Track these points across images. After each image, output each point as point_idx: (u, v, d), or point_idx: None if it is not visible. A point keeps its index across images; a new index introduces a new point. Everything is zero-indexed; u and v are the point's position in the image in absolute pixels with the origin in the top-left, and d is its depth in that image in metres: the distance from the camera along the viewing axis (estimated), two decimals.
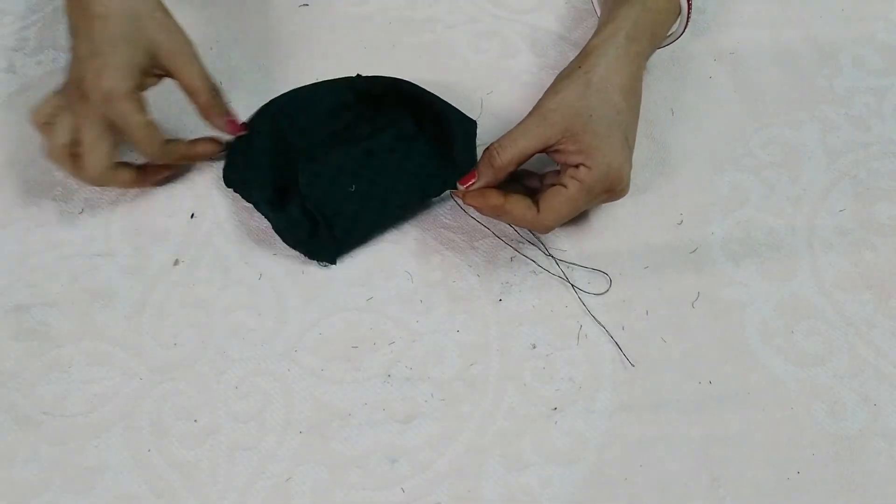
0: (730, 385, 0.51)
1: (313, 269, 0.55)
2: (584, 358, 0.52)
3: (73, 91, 0.51)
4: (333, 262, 0.54)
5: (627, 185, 0.51)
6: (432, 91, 0.57)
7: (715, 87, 0.62)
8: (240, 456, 0.49)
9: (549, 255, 0.55)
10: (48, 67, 0.64)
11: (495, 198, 0.50)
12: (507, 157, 0.50)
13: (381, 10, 0.66)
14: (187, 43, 0.52)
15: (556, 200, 0.50)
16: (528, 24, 0.65)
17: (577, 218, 0.55)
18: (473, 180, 0.51)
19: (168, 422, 0.50)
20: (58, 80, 0.63)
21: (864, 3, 0.65)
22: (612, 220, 0.56)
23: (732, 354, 0.51)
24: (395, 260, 0.55)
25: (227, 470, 0.49)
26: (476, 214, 0.54)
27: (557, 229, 0.55)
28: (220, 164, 0.59)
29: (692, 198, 0.57)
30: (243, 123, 0.55)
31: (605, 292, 0.54)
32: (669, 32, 0.57)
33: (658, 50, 0.62)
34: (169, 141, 0.54)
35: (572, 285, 0.54)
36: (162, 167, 0.56)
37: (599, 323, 0.52)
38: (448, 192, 0.55)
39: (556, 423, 0.50)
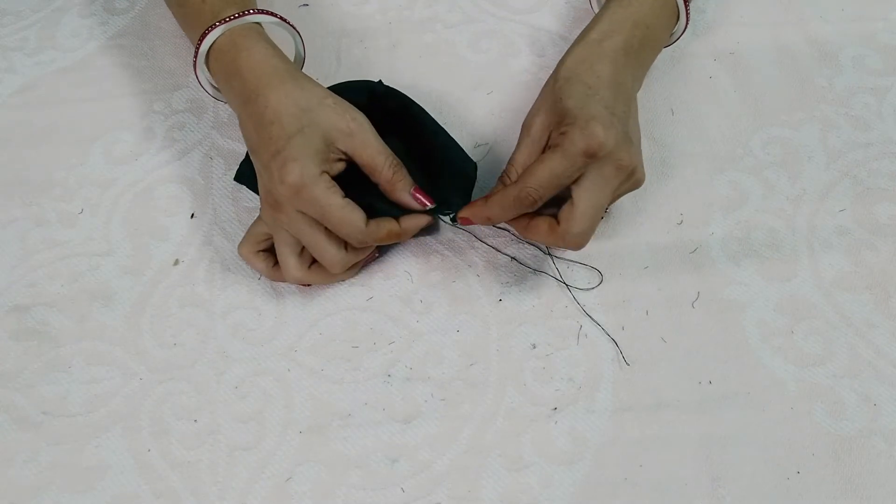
0: (730, 385, 0.51)
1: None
2: (583, 358, 0.52)
3: (267, 208, 0.50)
4: None
5: (621, 153, 0.48)
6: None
7: (715, 87, 0.62)
8: (240, 456, 0.49)
9: (548, 253, 0.55)
10: (48, 67, 0.64)
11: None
12: (514, 175, 0.50)
13: (381, 10, 0.66)
14: (361, 123, 0.50)
15: (537, 168, 0.48)
16: (528, 24, 0.65)
17: None
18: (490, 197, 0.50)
19: (168, 422, 0.50)
20: (57, 79, 0.63)
21: (864, 3, 0.65)
22: (612, 220, 0.56)
23: (732, 354, 0.51)
24: (395, 260, 0.55)
25: (227, 470, 0.49)
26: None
27: None
28: (221, 165, 0.59)
29: (692, 198, 0.57)
30: (430, 197, 0.51)
31: (598, 286, 0.53)
32: (673, 31, 0.57)
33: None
34: (371, 221, 0.50)
35: (565, 284, 0.54)
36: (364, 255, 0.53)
37: (595, 322, 0.52)
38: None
39: (556, 423, 0.50)
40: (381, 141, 0.51)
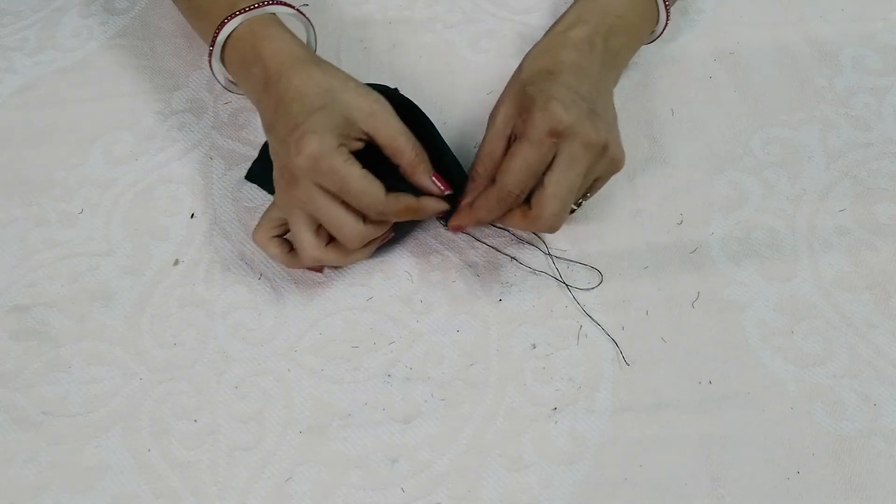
0: (730, 385, 0.51)
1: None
2: (583, 358, 0.52)
3: (283, 185, 0.49)
4: None
5: (586, 128, 0.48)
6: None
7: (715, 87, 0.62)
8: (240, 456, 0.49)
9: (548, 253, 0.55)
10: (48, 67, 0.64)
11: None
12: (482, 169, 0.50)
13: (381, 10, 0.66)
14: (384, 105, 0.50)
15: (509, 163, 0.48)
16: (528, 24, 0.65)
17: (578, 218, 0.55)
18: (465, 197, 0.51)
19: (168, 422, 0.50)
20: (57, 79, 0.63)
21: (864, 3, 0.65)
22: (612, 221, 0.56)
23: (732, 354, 0.51)
24: (395, 260, 0.55)
25: (227, 470, 0.49)
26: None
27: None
28: (221, 165, 0.59)
29: (692, 198, 0.57)
30: (448, 182, 0.51)
31: (598, 285, 0.53)
32: (652, 26, 0.57)
33: (658, 50, 0.62)
34: (390, 194, 0.49)
35: (565, 283, 0.54)
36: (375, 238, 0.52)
37: (595, 322, 0.52)
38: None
39: (555, 423, 0.50)
40: (403, 124, 0.50)
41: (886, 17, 0.65)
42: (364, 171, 0.48)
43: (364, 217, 0.50)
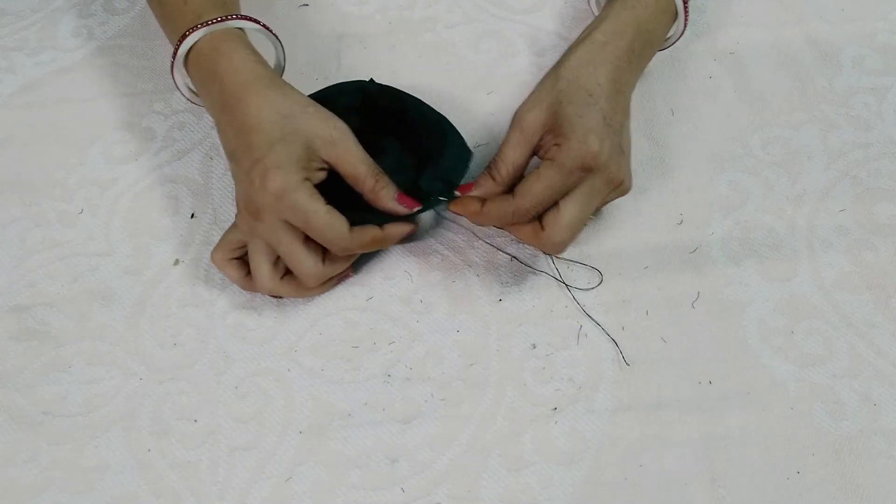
0: (730, 385, 0.51)
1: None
2: (583, 358, 0.52)
3: (245, 216, 0.49)
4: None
5: (613, 166, 0.49)
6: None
7: (715, 87, 0.62)
8: (240, 456, 0.49)
9: (548, 253, 0.55)
10: (48, 67, 0.64)
11: (474, 204, 0.50)
12: (504, 172, 0.50)
13: (381, 9, 0.66)
14: (343, 132, 0.50)
15: (535, 185, 0.48)
16: (528, 24, 0.65)
17: None
18: (471, 190, 0.51)
19: (168, 422, 0.50)
20: (57, 79, 0.63)
21: (864, 3, 0.65)
22: (612, 221, 0.56)
23: (732, 354, 0.51)
24: (395, 260, 0.55)
25: (227, 470, 0.49)
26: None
27: None
28: (221, 165, 0.59)
29: (692, 198, 0.57)
30: (415, 199, 0.51)
31: (598, 285, 0.53)
32: (669, 34, 0.57)
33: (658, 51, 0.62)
34: (354, 228, 0.49)
35: (564, 283, 0.54)
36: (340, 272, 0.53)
37: (595, 322, 0.52)
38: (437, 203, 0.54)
39: (555, 423, 0.50)
40: (363, 150, 0.50)
41: (886, 17, 0.65)
42: (328, 206, 0.48)
43: (325, 254, 0.50)
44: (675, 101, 0.61)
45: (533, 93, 0.52)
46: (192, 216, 0.57)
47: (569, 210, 0.49)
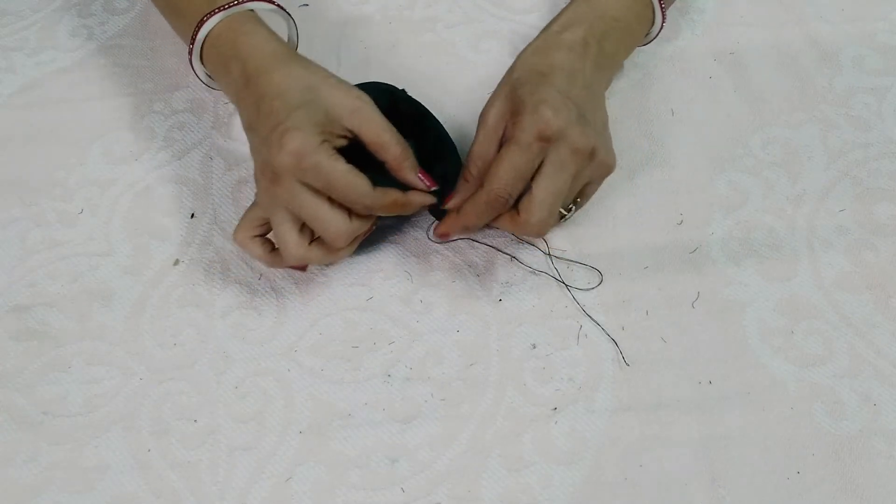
0: (730, 385, 0.50)
1: (313, 269, 0.55)
2: (583, 358, 0.52)
3: (266, 184, 0.49)
4: None
5: (573, 134, 0.48)
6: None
7: (715, 87, 0.62)
8: (240, 456, 0.49)
9: (548, 253, 0.55)
10: (48, 67, 0.64)
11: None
12: (475, 170, 0.50)
13: (381, 9, 0.66)
14: (367, 101, 0.50)
15: (498, 168, 0.48)
16: (528, 25, 0.65)
17: (578, 218, 0.55)
18: (452, 198, 0.51)
19: (168, 422, 0.50)
20: (57, 79, 0.63)
21: (864, 3, 0.65)
22: (612, 221, 0.56)
23: (732, 354, 0.51)
24: (395, 260, 0.55)
25: (227, 470, 0.49)
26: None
27: (559, 229, 0.55)
28: (221, 165, 0.59)
29: (692, 198, 0.57)
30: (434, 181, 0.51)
31: (598, 285, 0.53)
32: (648, 28, 0.57)
33: (658, 50, 0.62)
34: (377, 188, 0.49)
35: (564, 283, 0.54)
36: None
37: (595, 322, 0.52)
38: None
39: (555, 423, 0.50)
40: (387, 120, 0.50)
41: (886, 17, 0.65)
42: (349, 165, 0.48)
43: (349, 213, 0.49)
44: (675, 101, 0.61)
45: (493, 91, 0.52)
46: (192, 216, 0.57)
47: (539, 187, 0.48)
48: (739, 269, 0.54)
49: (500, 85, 0.52)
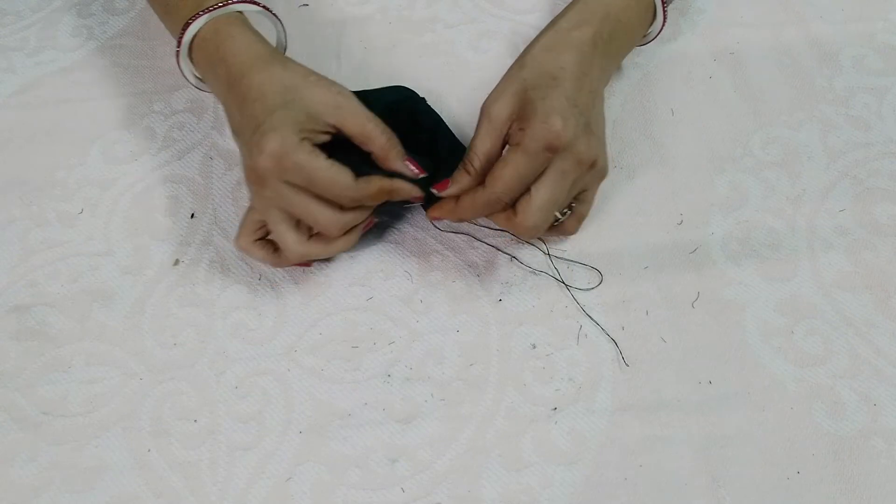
0: (730, 385, 0.51)
1: (313, 269, 0.55)
2: (583, 358, 0.52)
3: (253, 187, 0.49)
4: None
5: (580, 145, 0.48)
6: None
7: (715, 87, 0.62)
8: (240, 456, 0.49)
9: (548, 253, 0.55)
10: (48, 67, 0.64)
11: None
12: (477, 164, 0.50)
13: (381, 9, 0.66)
14: (348, 97, 0.50)
15: (503, 171, 0.48)
16: (528, 25, 0.65)
17: None
18: (448, 187, 0.51)
19: (168, 422, 0.50)
20: (57, 79, 0.63)
21: (864, 3, 0.65)
22: (611, 221, 0.56)
23: (732, 354, 0.51)
24: (395, 260, 0.55)
25: (227, 470, 0.49)
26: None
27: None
28: (221, 165, 0.59)
29: (692, 198, 0.57)
30: (422, 168, 0.51)
31: (598, 285, 0.53)
32: (647, 29, 0.57)
33: (658, 50, 0.62)
34: (360, 178, 0.49)
35: (564, 283, 0.54)
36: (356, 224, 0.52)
37: (595, 322, 0.52)
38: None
39: (556, 423, 0.50)
40: (371, 112, 0.50)
41: (886, 17, 0.65)
42: (329, 160, 0.48)
43: (340, 206, 0.50)
44: (675, 101, 0.61)
45: (499, 83, 0.52)
46: (192, 216, 0.57)
47: (539, 193, 0.49)
48: (739, 269, 0.54)
49: (506, 79, 0.51)
